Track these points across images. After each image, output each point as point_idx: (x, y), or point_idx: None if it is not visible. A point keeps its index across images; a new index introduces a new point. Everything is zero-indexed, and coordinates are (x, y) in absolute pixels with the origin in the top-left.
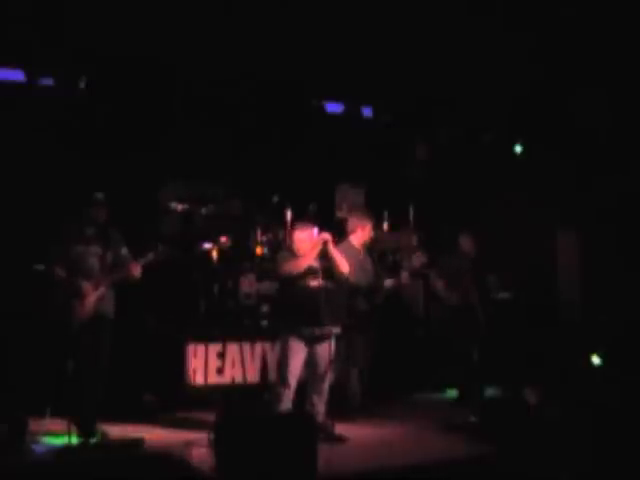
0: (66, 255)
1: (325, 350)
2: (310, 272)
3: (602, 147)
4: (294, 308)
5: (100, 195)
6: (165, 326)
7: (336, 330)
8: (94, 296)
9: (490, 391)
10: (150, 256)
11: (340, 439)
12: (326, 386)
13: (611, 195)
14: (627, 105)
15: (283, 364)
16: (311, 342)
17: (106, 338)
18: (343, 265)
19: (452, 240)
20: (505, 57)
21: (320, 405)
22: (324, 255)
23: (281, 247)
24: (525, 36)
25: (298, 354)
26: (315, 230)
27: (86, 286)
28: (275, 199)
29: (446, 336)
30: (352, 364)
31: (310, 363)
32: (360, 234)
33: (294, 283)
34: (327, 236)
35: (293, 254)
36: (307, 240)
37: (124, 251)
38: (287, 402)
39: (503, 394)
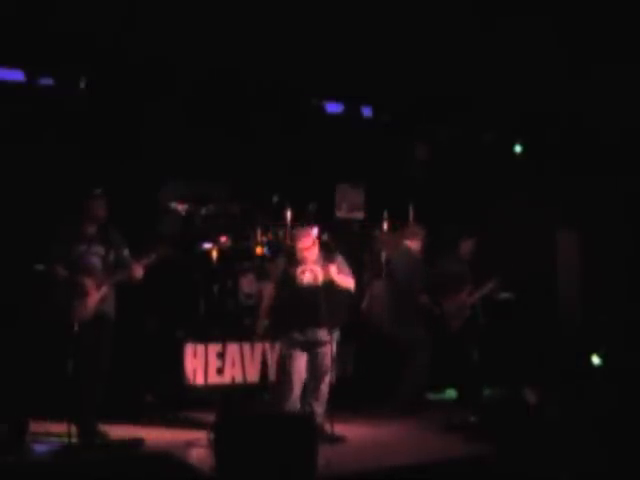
0: (67, 255)
1: (324, 353)
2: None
3: (603, 147)
4: (285, 314)
5: (98, 191)
6: (165, 326)
7: (325, 336)
8: (97, 296)
9: (490, 391)
10: (152, 257)
11: (339, 440)
12: (325, 388)
13: (611, 195)
14: (627, 104)
15: (283, 368)
16: (307, 348)
17: (107, 338)
18: (349, 284)
19: (452, 241)
20: (505, 56)
21: (319, 407)
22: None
23: (281, 248)
24: (525, 36)
25: (298, 358)
26: (315, 230)
27: (90, 284)
28: (275, 199)
29: (447, 336)
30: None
31: (310, 365)
32: (419, 241)
33: (288, 287)
34: (332, 268)
35: (293, 258)
36: (312, 245)
37: (126, 252)
38: (293, 406)
39: (503, 394)
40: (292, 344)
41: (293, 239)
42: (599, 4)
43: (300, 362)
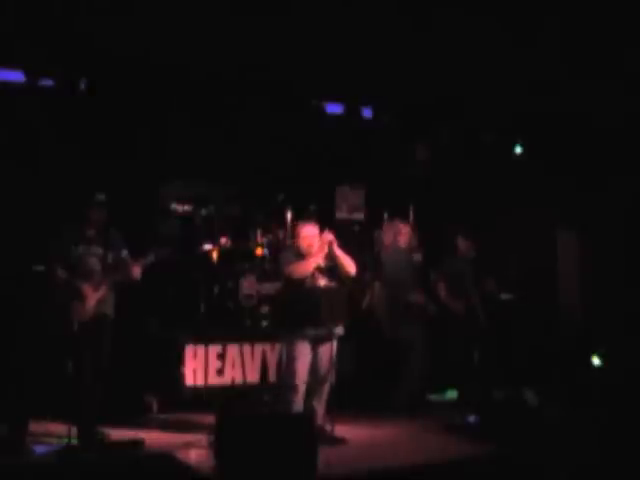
0: (67, 256)
1: (327, 351)
2: (317, 271)
3: (602, 147)
4: (298, 309)
5: (101, 196)
6: (165, 327)
7: (339, 331)
8: (95, 297)
9: (491, 391)
10: (150, 257)
11: (339, 441)
12: (327, 389)
13: (611, 196)
14: (628, 104)
15: (289, 368)
16: (315, 343)
17: (106, 339)
18: (350, 265)
19: (453, 241)
20: (505, 57)
21: (319, 407)
22: (329, 256)
23: (282, 248)
24: (526, 36)
25: (305, 356)
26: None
27: (87, 288)
28: (281, 197)
29: (447, 336)
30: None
31: (313, 365)
32: (405, 236)
33: (300, 283)
34: (330, 236)
35: (298, 253)
36: (314, 236)
37: (124, 253)
38: (298, 406)
39: (503, 394)
40: (302, 340)
41: (295, 234)
42: (599, 5)
43: (305, 362)
